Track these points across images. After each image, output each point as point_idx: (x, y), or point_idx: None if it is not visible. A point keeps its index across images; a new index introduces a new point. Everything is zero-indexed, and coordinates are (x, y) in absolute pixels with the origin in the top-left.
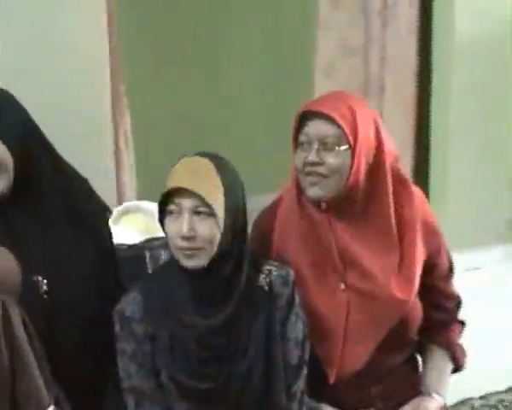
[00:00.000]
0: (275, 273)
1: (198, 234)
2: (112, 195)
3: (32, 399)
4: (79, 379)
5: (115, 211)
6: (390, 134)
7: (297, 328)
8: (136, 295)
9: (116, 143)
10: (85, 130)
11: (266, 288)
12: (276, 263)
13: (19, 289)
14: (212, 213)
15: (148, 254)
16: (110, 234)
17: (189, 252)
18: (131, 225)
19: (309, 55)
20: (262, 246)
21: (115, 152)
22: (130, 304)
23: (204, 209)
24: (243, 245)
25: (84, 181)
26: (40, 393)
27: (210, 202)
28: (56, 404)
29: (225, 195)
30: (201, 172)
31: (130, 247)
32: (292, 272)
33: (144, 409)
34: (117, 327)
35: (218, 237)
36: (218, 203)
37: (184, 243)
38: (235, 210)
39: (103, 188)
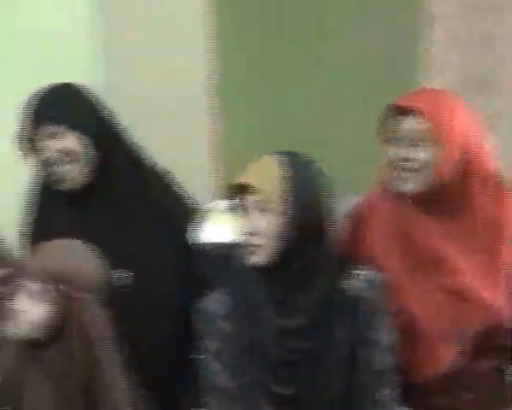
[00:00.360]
0: (362, 276)
1: (258, 230)
2: (206, 194)
3: (108, 401)
4: (159, 377)
5: (208, 209)
6: (509, 133)
7: (384, 333)
8: (220, 293)
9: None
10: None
11: (352, 291)
12: (363, 265)
13: (101, 287)
14: (272, 209)
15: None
16: (190, 230)
17: (250, 248)
18: (223, 224)
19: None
20: (351, 244)
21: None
22: (214, 302)
23: (265, 205)
24: (320, 244)
25: (164, 176)
26: (116, 395)
27: (270, 198)
28: (138, 406)
29: (289, 191)
30: (266, 168)
31: (222, 245)
32: (380, 276)
33: (228, 409)
34: (201, 325)
35: (278, 233)
36: (280, 199)
37: (246, 239)
38: (303, 207)
39: (198, 187)
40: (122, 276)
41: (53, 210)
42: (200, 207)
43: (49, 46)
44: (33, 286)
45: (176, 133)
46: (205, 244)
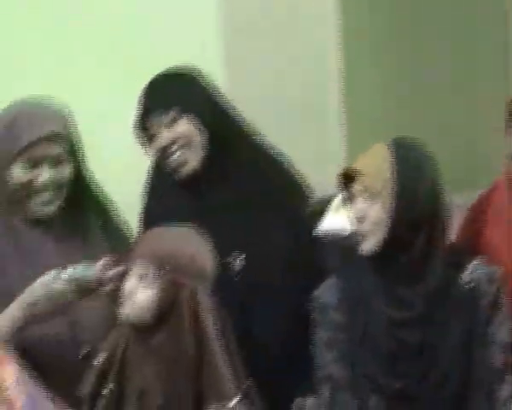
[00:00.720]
0: (480, 270)
1: (366, 217)
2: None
3: (214, 389)
4: (271, 367)
5: (328, 197)
6: None
7: (502, 330)
8: (333, 282)
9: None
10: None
11: (469, 285)
12: (482, 259)
13: (211, 275)
14: (380, 197)
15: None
16: (307, 219)
17: (360, 236)
18: (342, 212)
19: None
20: (471, 237)
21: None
22: (327, 291)
23: (373, 192)
24: (431, 236)
25: (280, 161)
26: (223, 383)
27: (378, 185)
28: (245, 397)
29: (398, 179)
30: (376, 155)
31: (339, 234)
32: (499, 270)
33: (339, 399)
34: (314, 314)
35: (385, 220)
36: (388, 187)
37: (356, 226)
38: (411, 196)
39: (329, 173)
40: (234, 263)
41: (168, 197)
42: (320, 195)
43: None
44: (143, 270)
45: (299, 121)
46: (324, 232)
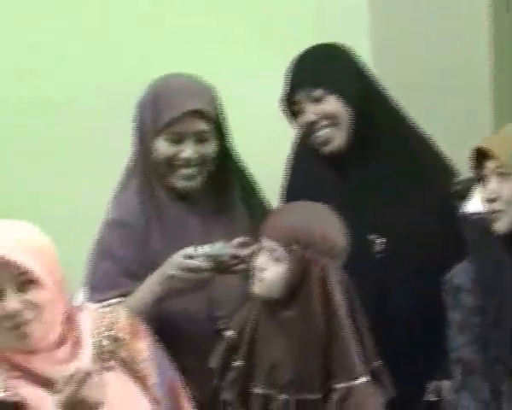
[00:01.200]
0: None
1: (499, 196)
2: None
3: (342, 366)
4: (406, 349)
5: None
6: None
7: None
8: (467, 264)
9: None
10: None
11: None
12: None
13: (342, 252)
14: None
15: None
16: (453, 199)
17: (493, 215)
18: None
19: None
20: None
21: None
22: (460, 273)
23: (504, 172)
24: None
25: (428, 142)
26: (351, 361)
27: (509, 165)
28: (374, 377)
29: None
30: (507, 133)
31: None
32: None
33: (471, 382)
34: (446, 296)
35: None
36: None
37: (489, 206)
38: None
39: None
40: (375, 242)
41: (311, 173)
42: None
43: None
44: (273, 246)
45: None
46: (469, 212)
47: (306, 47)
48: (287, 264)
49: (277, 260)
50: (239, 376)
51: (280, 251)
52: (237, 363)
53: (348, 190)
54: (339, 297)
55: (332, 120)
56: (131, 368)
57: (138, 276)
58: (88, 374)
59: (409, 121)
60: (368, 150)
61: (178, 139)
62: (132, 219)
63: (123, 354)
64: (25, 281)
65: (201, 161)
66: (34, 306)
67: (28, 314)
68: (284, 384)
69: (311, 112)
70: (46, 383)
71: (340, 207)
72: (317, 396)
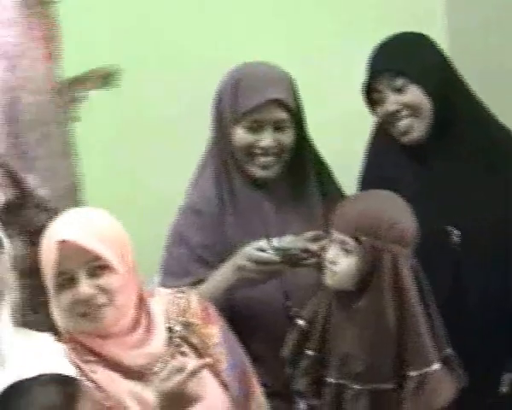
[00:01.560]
0: None
1: None
2: None
3: (416, 354)
4: (479, 339)
5: None
6: None
7: None
8: None
9: None
10: None
11: None
12: None
13: (413, 241)
14: None
15: None
16: None
17: None
18: None
19: None
20: None
21: None
22: None
23: None
24: None
25: (504, 130)
26: (425, 349)
27: None
28: (445, 363)
29: None
30: None
31: None
32: None
33: None
34: None
35: None
36: None
37: None
38: None
39: None
40: (451, 232)
41: (390, 161)
42: None
43: None
44: (343, 238)
45: None
46: None
47: (387, 35)
48: (357, 255)
49: (348, 251)
50: (311, 365)
51: (350, 243)
52: (309, 352)
53: (428, 180)
54: (410, 285)
55: (413, 110)
56: (202, 353)
57: (211, 263)
58: (194, 371)
59: (488, 111)
60: (448, 141)
61: (257, 127)
62: (207, 206)
63: (194, 339)
64: (97, 266)
65: (279, 150)
66: (107, 291)
67: (101, 299)
68: (357, 374)
69: (393, 101)
70: (119, 368)
71: (418, 197)
72: (391, 386)
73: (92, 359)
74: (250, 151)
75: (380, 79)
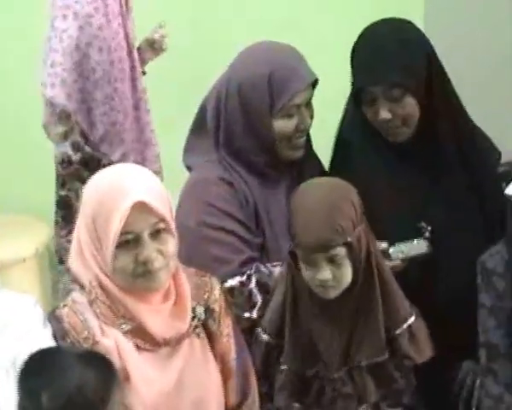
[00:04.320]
0: None
1: None
2: None
3: (398, 314)
4: (444, 335)
5: None
6: None
7: None
8: (500, 248)
9: None
10: None
11: None
12: None
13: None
14: None
15: None
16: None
17: None
18: None
19: None
20: None
21: None
22: (492, 256)
23: None
24: None
25: (475, 126)
26: (401, 307)
27: None
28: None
29: None
30: None
31: None
32: None
33: (496, 366)
34: (478, 278)
35: None
36: None
37: None
38: None
39: None
40: (426, 229)
41: (366, 151)
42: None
43: None
44: (331, 253)
45: None
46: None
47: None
48: (348, 258)
49: (339, 262)
50: (288, 380)
51: (339, 253)
52: (283, 367)
53: (407, 175)
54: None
55: (406, 120)
56: (216, 340)
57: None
58: None
59: (461, 106)
60: (428, 139)
61: (296, 111)
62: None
63: (212, 326)
64: (159, 229)
65: (308, 128)
66: (164, 255)
67: (159, 262)
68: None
69: (388, 110)
70: (142, 335)
71: (392, 191)
72: (385, 357)
73: (116, 321)
74: (290, 136)
75: (373, 86)
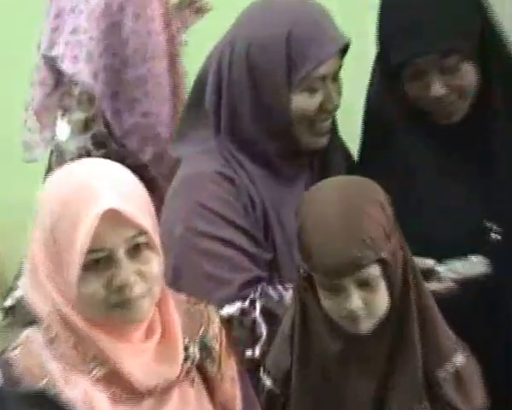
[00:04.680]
0: None
1: None
2: None
3: (440, 354)
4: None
5: None
6: None
7: None
8: None
9: None
10: None
11: None
12: None
13: None
14: None
15: None
16: None
17: None
18: None
19: None
20: None
21: None
22: None
23: None
24: None
25: None
26: (444, 343)
27: None
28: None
29: None
30: None
31: None
32: None
33: None
34: None
35: None
36: None
37: None
38: None
39: None
40: (491, 230)
41: (405, 141)
42: None
43: None
44: (363, 274)
45: None
46: None
47: None
48: (383, 278)
49: (374, 284)
50: None
51: (372, 272)
52: None
53: (454, 165)
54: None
55: (463, 91)
56: (216, 387)
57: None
58: None
59: None
60: (481, 121)
61: (320, 85)
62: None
63: (211, 369)
64: (137, 245)
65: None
66: (146, 278)
67: (140, 287)
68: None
69: (442, 84)
70: (119, 382)
71: (443, 186)
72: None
73: (84, 366)
74: (312, 117)
75: (420, 57)
